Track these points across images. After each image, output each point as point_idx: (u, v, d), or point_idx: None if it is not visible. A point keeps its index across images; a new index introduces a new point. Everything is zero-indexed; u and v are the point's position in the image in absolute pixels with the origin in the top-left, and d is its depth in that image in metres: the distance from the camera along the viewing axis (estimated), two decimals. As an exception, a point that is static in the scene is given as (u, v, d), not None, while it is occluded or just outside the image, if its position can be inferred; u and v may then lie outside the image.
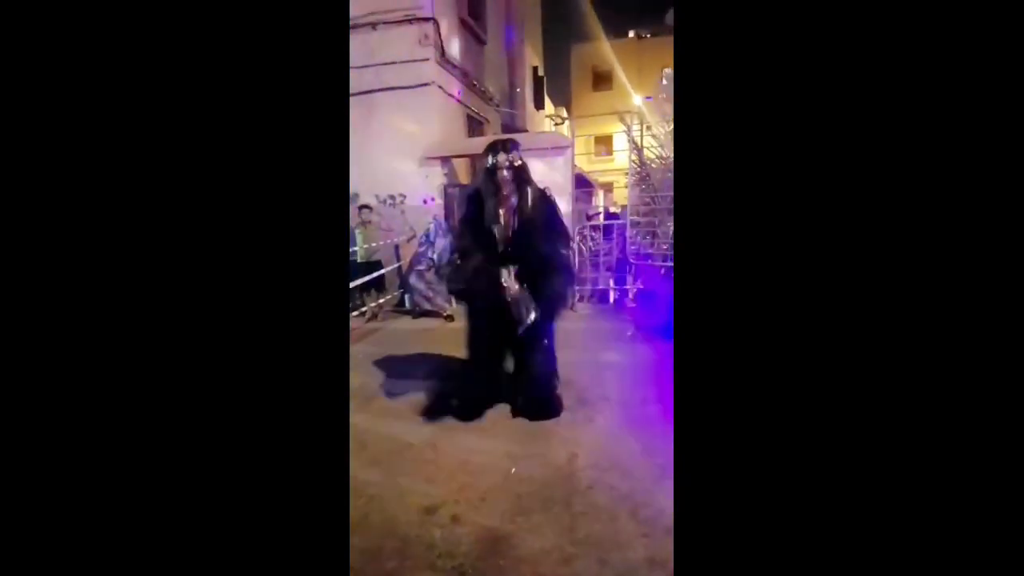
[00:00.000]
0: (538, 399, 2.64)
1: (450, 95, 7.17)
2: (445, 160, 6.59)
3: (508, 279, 2.53)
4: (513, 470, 2.07)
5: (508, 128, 9.40)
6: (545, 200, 2.68)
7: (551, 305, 2.64)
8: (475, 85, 8.14)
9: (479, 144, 6.88)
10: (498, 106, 9.33)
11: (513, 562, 1.55)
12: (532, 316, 2.51)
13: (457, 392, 2.79)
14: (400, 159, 6.46)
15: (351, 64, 6.53)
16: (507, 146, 2.60)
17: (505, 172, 2.54)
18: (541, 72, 12.65)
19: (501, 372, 2.80)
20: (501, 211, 2.56)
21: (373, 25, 6.65)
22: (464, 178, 6.93)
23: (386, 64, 6.56)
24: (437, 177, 6.53)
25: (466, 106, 7.77)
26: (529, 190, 2.59)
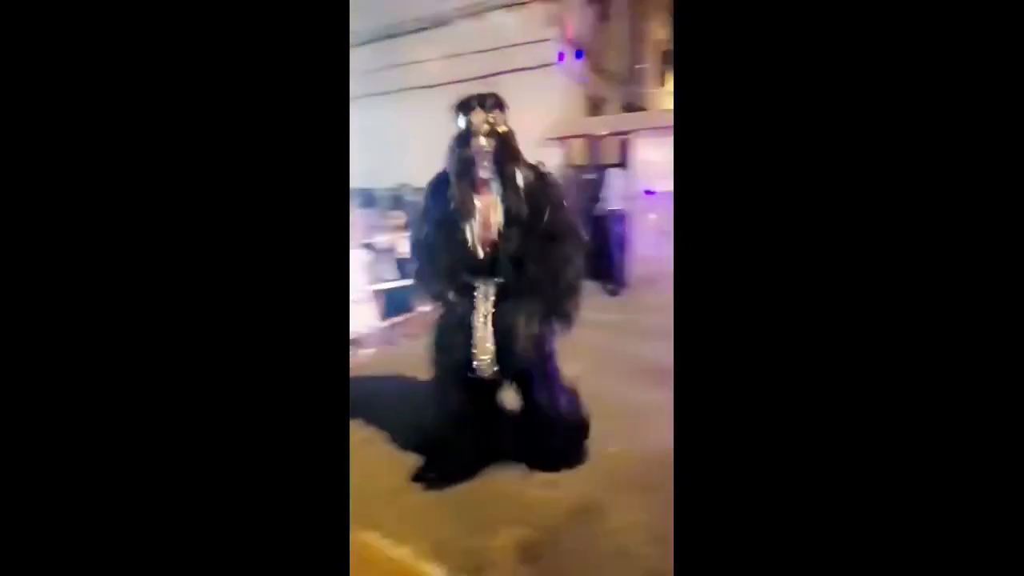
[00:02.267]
0: (548, 448, 1.94)
1: (571, 75, 7.14)
2: (564, 141, 6.62)
3: (483, 301, 1.77)
4: (611, 448, 2.11)
5: (629, 107, 9.11)
6: (543, 183, 1.81)
7: (549, 331, 1.85)
8: (597, 64, 7.99)
9: (599, 124, 6.82)
10: (620, 84, 9.06)
11: (604, 532, 1.62)
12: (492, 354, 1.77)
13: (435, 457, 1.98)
14: (520, 141, 6.61)
15: (477, 48, 6.81)
16: (485, 102, 1.72)
17: (483, 140, 1.69)
18: (667, 47, 11.95)
19: (490, 421, 1.97)
20: (477, 201, 1.74)
21: (501, 7, 6.81)
22: (582, 160, 6.90)
23: (511, 46, 6.71)
24: (555, 157, 6.59)
25: (587, 85, 7.68)
26: (518, 169, 1.75)
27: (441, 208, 1.80)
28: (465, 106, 1.73)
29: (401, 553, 1.57)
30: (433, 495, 1.86)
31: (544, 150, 6.55)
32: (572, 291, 1.82)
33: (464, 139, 1.72)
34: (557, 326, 1.85)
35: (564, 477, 1.92)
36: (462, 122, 1.73)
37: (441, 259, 1.82)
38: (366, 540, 1.64)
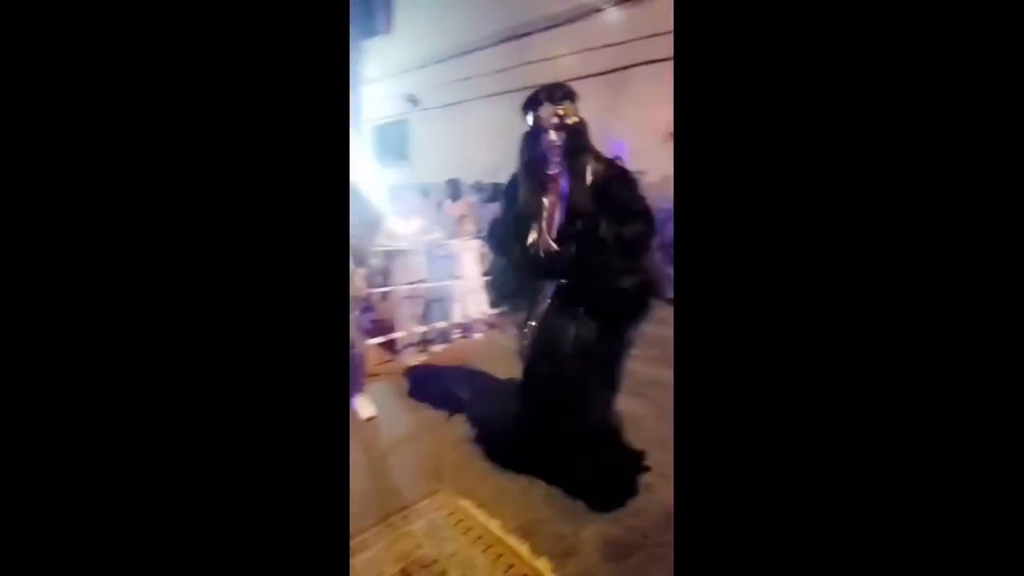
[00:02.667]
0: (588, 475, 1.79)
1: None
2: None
3: (543, 304, 1.69)
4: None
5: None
6: (616, 178, 1.65)
7: (614, 343, 1.72)
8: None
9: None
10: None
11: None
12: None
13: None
14: (644, 135, 6.42)
15: (608, 42, 6.72)
16: (555, 94, 1.63)
17: (552, 135, 1.60)
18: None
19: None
20: (544, 197, 1.65)
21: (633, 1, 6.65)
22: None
23: (640, 39, 6.53)
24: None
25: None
26: (589, 163, 1.62)
27: (511, 209, 1.77)
28: (533, 102, 1.65)
29: (492, 525, 1.65)
30: (529, 478, 1.92)
31: (667, 145, 6.30)
32: (630, 305, 1.67)
33: (533, 136, 1.65)
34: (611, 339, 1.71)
35: (663, 483, 1.86)
36: (530, 116, 1.65)
37: (510, 260, 1.81)
38: (462, 505, 1.75)
